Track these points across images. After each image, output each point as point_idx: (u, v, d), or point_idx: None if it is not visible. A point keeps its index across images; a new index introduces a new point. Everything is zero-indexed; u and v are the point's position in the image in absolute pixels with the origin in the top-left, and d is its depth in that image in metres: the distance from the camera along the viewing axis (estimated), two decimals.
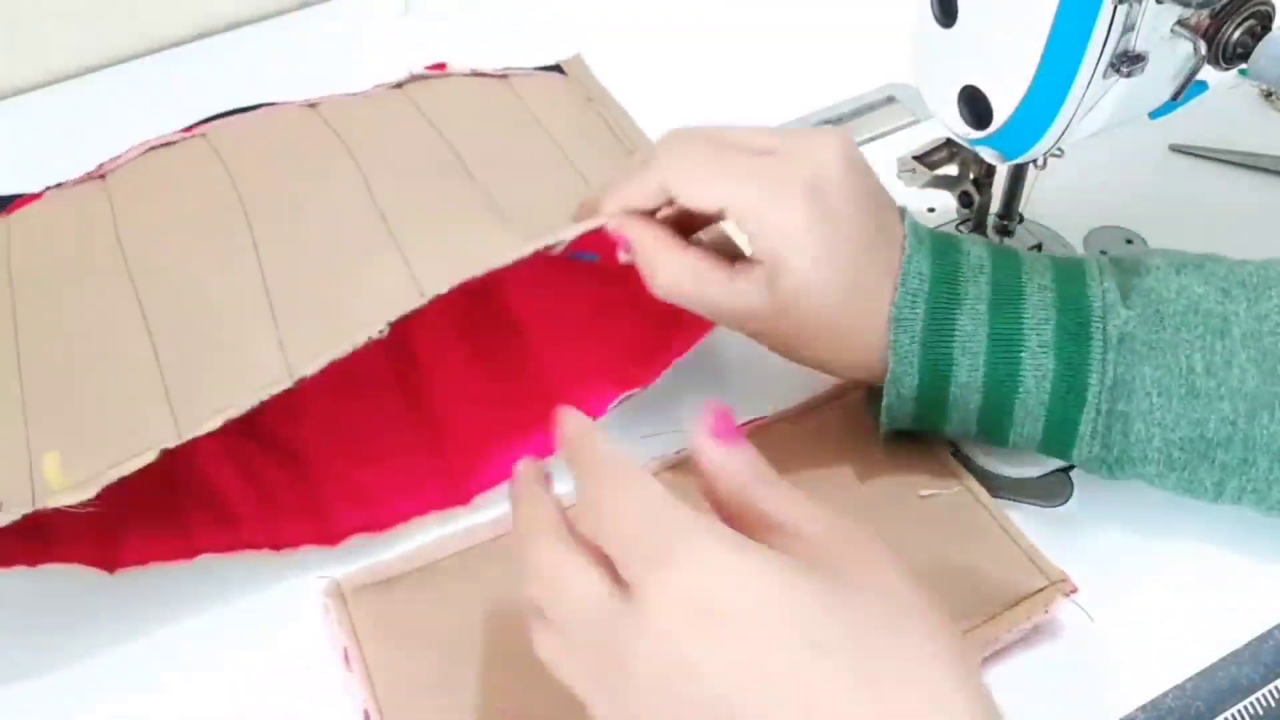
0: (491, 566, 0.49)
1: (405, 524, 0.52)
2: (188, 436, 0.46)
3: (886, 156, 0.61)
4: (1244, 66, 0.47)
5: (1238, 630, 0.49)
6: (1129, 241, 0.62)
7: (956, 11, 0.49)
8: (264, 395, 0.46)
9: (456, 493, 0.53)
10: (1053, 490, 0.53)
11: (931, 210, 0.64)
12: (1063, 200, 0.63)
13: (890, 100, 0.71)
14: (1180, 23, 0.47)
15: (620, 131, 0.65)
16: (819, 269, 0.46)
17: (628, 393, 0.54)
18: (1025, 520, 0.51)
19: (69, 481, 0.45)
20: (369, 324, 0.47)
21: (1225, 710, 0.47)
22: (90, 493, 0.44)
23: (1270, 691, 0.47)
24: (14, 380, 0.51)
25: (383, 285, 0.50)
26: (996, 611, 0.47)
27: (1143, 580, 0.50)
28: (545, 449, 0.52)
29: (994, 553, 0.49)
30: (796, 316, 0.47)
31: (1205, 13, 0.46)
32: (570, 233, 0.49)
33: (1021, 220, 0.59)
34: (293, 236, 0.54)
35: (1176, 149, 0.66)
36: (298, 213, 0.55)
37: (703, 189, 0.47)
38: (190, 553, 0.50)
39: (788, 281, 0.46)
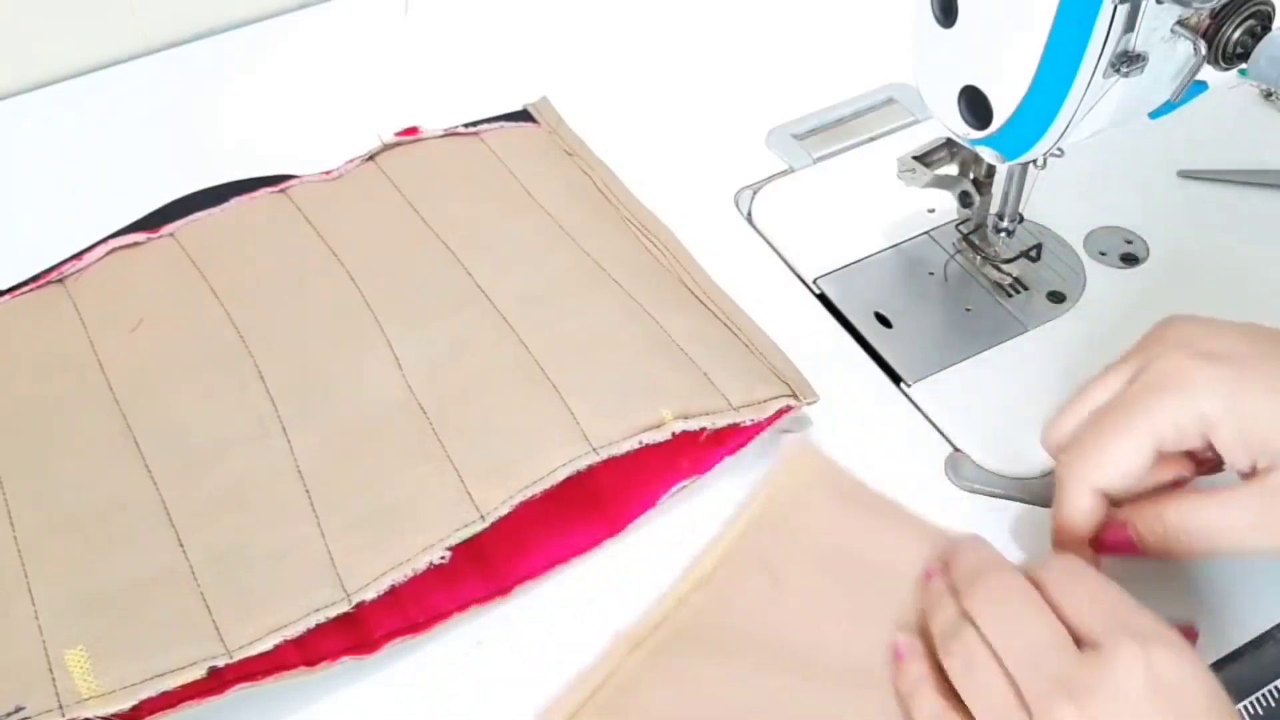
0: None
1: (445, 621, 0.48)
2: (239, 656, 0.45)
3: (886, 156, 0.61)
4: (1244, 66, 0.47)
5: (1238, 630, 0.48)
6: (1129, 242, 0.62)
7: (956, 11, 0.49)
8: (320, 618, 0.46)
9: (496, 583, 0.49)
10: (1052, 490, 0.52)
11: (932, 210, 0.64)
12: (1063, 200, 0.63)
13: (890, 100, 0.71)
14: (1180, 23, 0.47)
15: (604, 187, 0.65)
16: None
17: (681, 483, 0.51)
18: (1025, 520, 0.51)
19: (100, 685, 0.44)
20: (429, 548, 0.48)
21: None
22: (126, 704, 0.43)
23: (1270, 691, 0.47)
24: (12, 555, 0.48)
25: (437, 502, 0.49)
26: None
27: (1142, 580, 0.50)
28: (587, 533, 0.50)
29: None
30: None
31: (1205, 13, 0.46)
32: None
33: (1021, 220, 0.59)
34: (313, 408, 0.53)
35: (1185, 174, 0.65)
36: (312, 371, 0.54)
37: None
38: (220, 687, 0.45)
39: None
